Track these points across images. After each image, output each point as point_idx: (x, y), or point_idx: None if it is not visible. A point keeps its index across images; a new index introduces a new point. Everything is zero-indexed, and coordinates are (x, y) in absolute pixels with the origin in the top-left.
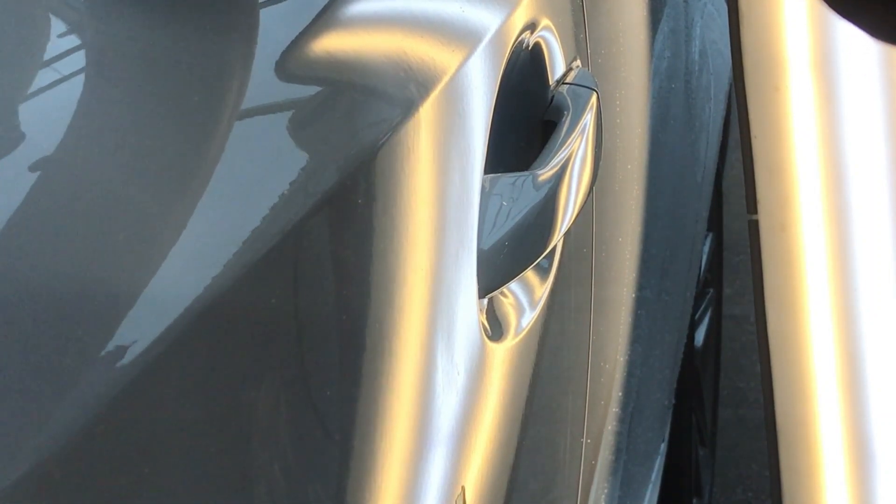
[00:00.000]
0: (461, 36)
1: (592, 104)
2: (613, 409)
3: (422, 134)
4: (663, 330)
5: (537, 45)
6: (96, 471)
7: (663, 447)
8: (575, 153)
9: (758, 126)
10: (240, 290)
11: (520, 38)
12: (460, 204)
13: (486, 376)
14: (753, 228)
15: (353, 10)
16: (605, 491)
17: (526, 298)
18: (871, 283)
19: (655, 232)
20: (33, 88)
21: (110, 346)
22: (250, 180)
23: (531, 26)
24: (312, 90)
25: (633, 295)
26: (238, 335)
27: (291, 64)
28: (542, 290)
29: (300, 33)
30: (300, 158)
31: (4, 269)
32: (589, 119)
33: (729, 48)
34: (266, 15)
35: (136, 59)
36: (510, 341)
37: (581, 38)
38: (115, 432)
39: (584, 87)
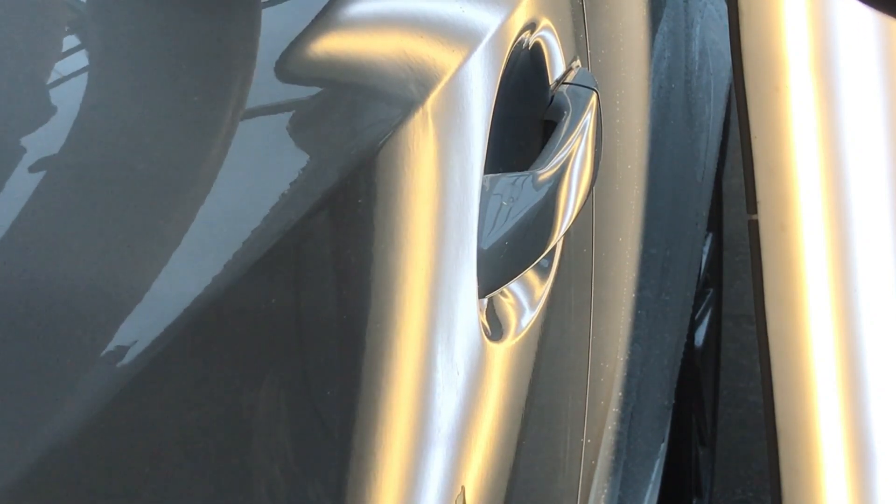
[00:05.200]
0: (461, 36)
1: (592, 104)
2: (613, 409)
3: (422, 134)
4: (663, 330)
5: (537, 45)
6: (96, 471)
7: (663, 447)
8: (575, 153)
9: (758, 126)
10: (240, 290)
11: (520, 38)
12: (460, 204)
13: (486, 376)
14: (753, 228)
15: (354, 10)
16: (605, 491)
17: (526, 298)
18: (871, 283)
19: (655, 232)
20: (32, 87)
21: (110, 346)
22: (251, 180)
23: (531, 26)
24: (313, 90)
25: (633, 295)
26: (238, 335)
27: (292, 64)
28: (542, 290)
29: (300, 33)
30: (301, 158)
31: (5, 269)
32: (589, 119)
33: (729, 48)
34: (266, 15)
35: (135, 60)
36: (510, 341)
37: (581, 38)
38: (116, 432)
39: (584, 87)
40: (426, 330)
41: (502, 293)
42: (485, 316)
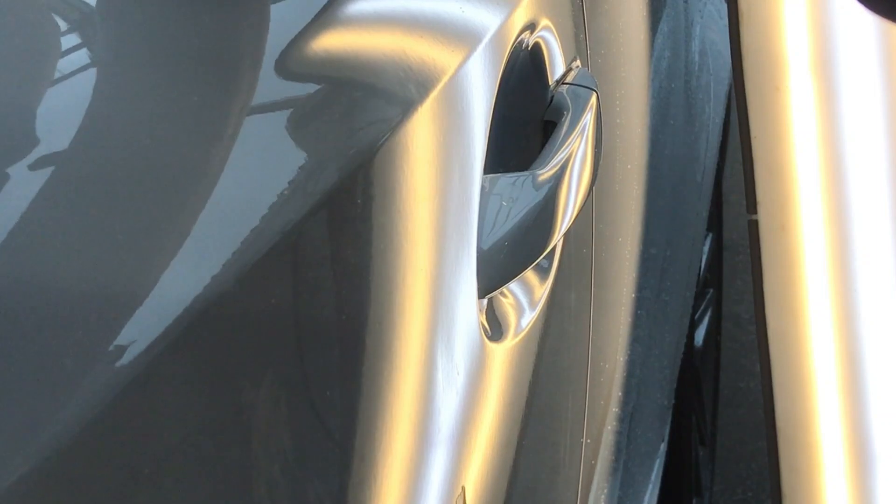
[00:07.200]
0: (461, 36)
1: (592, 104)
2: (613, 409)
3: (422, 134)
4: (663, 330)
5: (537, 45)
6: (96, 471)
7: (663, 447)
8: (575, 153)
9: (758, 126)
10: (240, 291)
11: (520, 38)
12: (460, 204)
13: (486, 376)
14: (753, 228)
15: (353, 9)
16: (605, 491)
17: (526, 298)
18: (871, 283)
19: (655, 232)
20: (33, 87)
21: (110, 347)
22: (250, 180)
23: (531, 26)
24: (312, 89)
25: (633, 295)
26: (238, 335)
27: (291, 63)
28: (542, 290)
29: (300, 32)
30: (300, 158)
31: (5, 269)
32: (589, 119)
33: (729, 48)
34: (266, 14)
35: (135, 59)
36: (510, 341)
37: (581, 38)
38: (116, 432)
39: (584, 87)
40: (426, 330)
41: (502, 293)
42: (485, 316)
